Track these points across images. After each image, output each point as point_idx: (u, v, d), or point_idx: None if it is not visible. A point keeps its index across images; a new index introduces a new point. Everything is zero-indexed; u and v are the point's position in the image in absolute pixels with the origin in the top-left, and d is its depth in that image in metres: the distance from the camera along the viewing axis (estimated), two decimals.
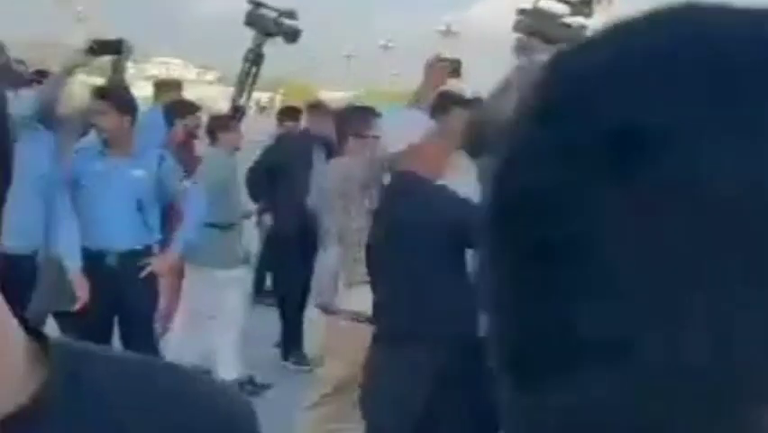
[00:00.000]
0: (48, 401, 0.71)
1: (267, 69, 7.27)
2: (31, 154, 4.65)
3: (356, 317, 4.54)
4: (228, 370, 6.03)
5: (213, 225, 6.08)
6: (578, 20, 4.41)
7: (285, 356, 7.25)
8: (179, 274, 6.30)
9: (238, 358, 6.42)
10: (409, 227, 3.81)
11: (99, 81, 6.50)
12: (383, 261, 4.01)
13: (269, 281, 8.69)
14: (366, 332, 4.45)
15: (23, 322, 0.73)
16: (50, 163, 4.95)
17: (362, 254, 4.55)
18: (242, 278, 6.69)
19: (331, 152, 7.57)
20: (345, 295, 4.66)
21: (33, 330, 0.74)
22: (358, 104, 5.31)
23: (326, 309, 4.71)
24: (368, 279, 4.54)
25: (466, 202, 3.96)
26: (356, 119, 5.18)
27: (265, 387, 6.53)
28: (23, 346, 0.73)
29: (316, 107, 7.94)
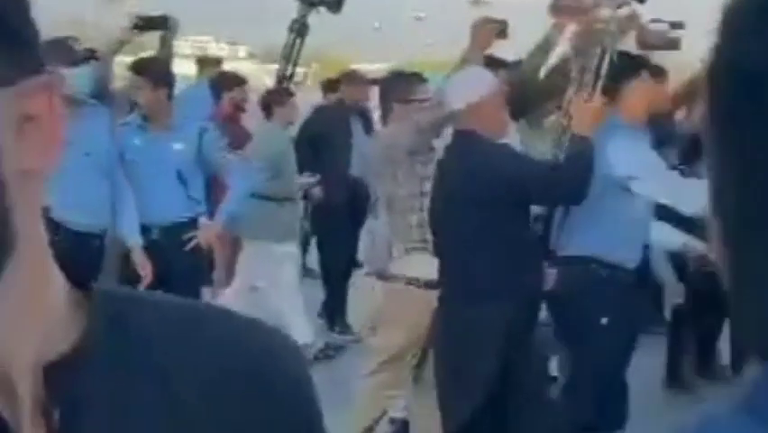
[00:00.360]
0: (89, 349, 0.70)
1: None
2: (91, 131, 4.72)
3: (414, 283, 4.57)
4: (301, 333, 5.91)
5: (269, 199, 6.15)
6: None
7: (331, 326, 7.29)
8: (234, 248, 6.36)
9: (308, 324, 6.47)
10: (472, 186, 3.87)
11: None
12: (448, 222, 4.05)
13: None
14: (423, 297, 4.51)
15: (69, 275, 0.73)
16: (109, 140, 4.97)
17: (415, 220, 4.60)
18: (296, 252, 6.71)
19: (367, 121, 7.61)
20: (400, 261, 4.67)
21: (78, 280, 0.74)
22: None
23: (382, 276, 4.70)
24: (422, 245, 4.61)
25: (525, 159, 4.10)
26: (400, 85, 5.16)
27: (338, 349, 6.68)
28: (66, 294, 0.72)
29: (351, 77, 7.95)
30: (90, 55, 5.51)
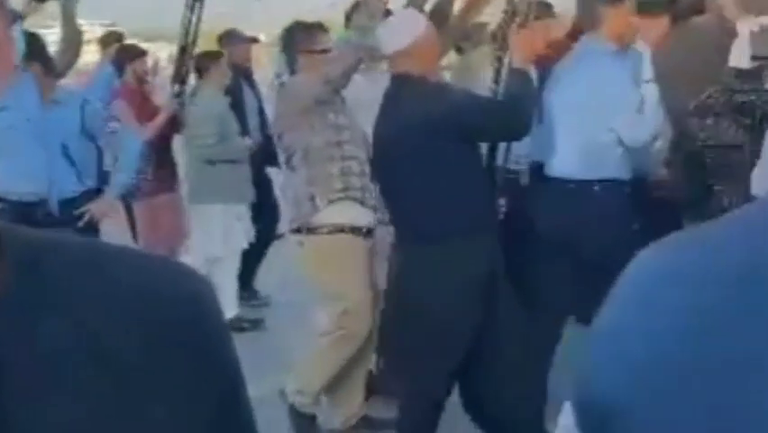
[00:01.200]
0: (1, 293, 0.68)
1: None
2: (29, 97, 4.71)
3: (344, 230, 4.62)
4: (229, 308, 6.10)
5: (217, 162, 6.24)
6: None
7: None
8: (173, 214, 6.39)
9: (235, 296, 6.53)
10: (416, 127, 3.86)
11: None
12: (395, 166, 4.01)
13: None
14: (356, 243, 4.58)
15: None
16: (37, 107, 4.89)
17: (336, 169, 4.63)
18: (246, 214, 6.64)
19: (249, 77, 7.52)
20: (326, 212, 4.67)
21: None
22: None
23: (310, 229, 4.70)
24: (345, 194, 4.63)
25: (466, 96, 4.12)
26: (303, 35, 5.11)
27: (258, 322, 6.63)
28: None
29: (231, 36, 7.63)
30: None
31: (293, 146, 4.77)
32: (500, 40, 4.40)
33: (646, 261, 0.80)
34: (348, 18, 5.41)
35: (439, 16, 4.90)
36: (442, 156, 3.87)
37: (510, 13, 4.39)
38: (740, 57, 3.94)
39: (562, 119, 4.28)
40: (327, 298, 4.81)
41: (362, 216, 4.68)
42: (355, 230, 4.62)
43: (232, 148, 6.43)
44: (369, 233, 4.70)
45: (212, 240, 6.38)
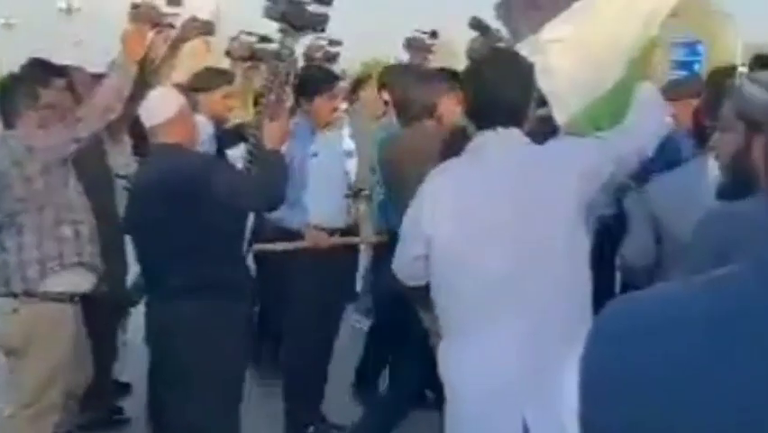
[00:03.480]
0: None
1: None
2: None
3: (64, 299, 4.49)
4: None
5: None
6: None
7: None
8: None
9: None
10: (177, 193, 4.06)
11: None
12: (152, 226, 4.15)
13: None
14: (69, 311, 4.48)
15: None
16: None
17: (66, 233, 4.39)
18: None
19: None
20: (53, 278, 4.47)
21: None
22: None
23: (30, 295, 4.44)
24: (78, 259, 4.41)
25: (221, 166, 4.50)
26: (24, 90, 4.74)
27: None
28: None
29: None
30: None
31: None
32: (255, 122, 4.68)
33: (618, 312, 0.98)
34: None
35: None
36: (194, 218, 4.06)
37: (270, 87, 4.63)
38: None
39: None
40: (34, 366, 4.52)
41: (86, 282, 4.59)
42: (74, 297, 4.53)
43: None
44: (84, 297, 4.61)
45: None
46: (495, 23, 4.61)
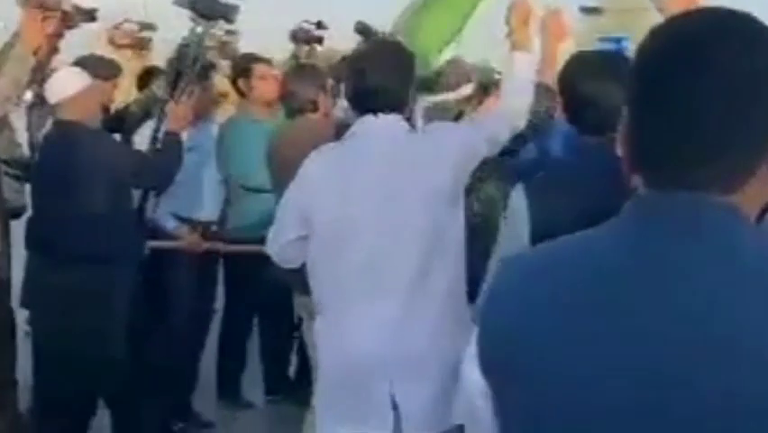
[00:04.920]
0: None
1: None
2: None
3: None
4: None
5: None
6: None
7: None
8: None
9: None
10: (76, 169, 4.34)
11: None
12: (55, 201, 4.38)
13: None
14: None
15: None
16: None
17: None
18: None
19: None
20: None
21: None
22: None
23: None
24: None
25: (121, 146, 4.81)
26: None
27: None
28: None
29: None
30: None
31: None
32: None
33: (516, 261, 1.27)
34: None
35: None
36: (95, 196, 4.35)
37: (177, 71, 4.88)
38: None
39: None
40: None
41: None
42: None
43: None
44: None
45: None
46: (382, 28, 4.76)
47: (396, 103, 3.10)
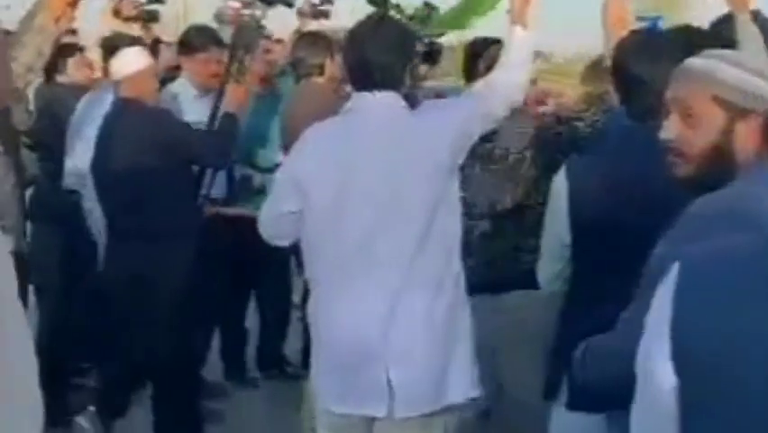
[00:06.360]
0: None
1: None
2: None
3: None
4: None
5: None
6: None
7: None
8: None
9: None
10: (139, 145, 4.41)
11: None
12: (122, 177, 4.43)
13: None
14: None
15: None
16: None
17: None
18: None
19: None
20: None
21: None
22: None
23: None
24: None
25: (181, 124, 4.76)
26: None
27: None
28: None
29: None
30: None
31: None
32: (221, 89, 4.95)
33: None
34: None
35: None
36: (158, 171, 4.41)
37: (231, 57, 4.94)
38: None
39: None
40: None
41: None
42: None
43: None
44: None
45: None
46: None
47: (392, 80, 3.08)
